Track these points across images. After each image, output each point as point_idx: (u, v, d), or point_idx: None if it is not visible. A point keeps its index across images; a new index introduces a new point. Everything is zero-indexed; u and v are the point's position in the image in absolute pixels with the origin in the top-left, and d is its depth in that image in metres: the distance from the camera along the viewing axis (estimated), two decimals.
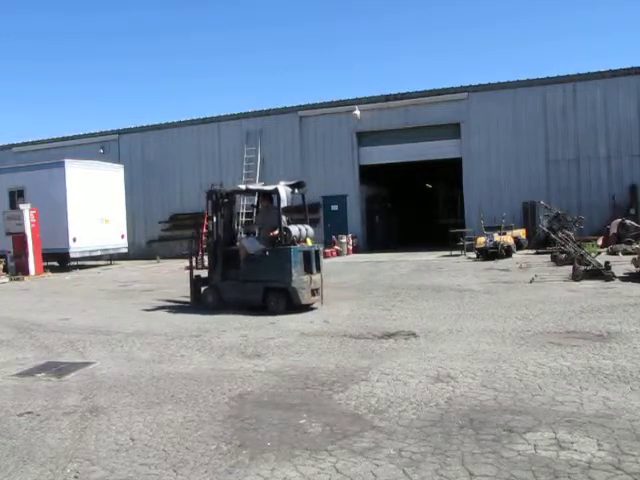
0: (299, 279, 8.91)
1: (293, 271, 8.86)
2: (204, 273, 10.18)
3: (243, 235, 10.37)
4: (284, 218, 9.40)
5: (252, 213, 10.98)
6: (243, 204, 19.66)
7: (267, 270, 9.03)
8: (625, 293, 9.14)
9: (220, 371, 5.54)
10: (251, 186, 10.51)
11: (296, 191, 9.80)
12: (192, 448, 3.70)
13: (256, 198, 10.50)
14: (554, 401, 4.21)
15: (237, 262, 9.46)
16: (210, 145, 25.48)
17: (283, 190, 9.34)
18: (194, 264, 10.27)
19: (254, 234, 10.10)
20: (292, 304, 8.88)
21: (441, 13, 76.83)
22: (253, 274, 9.13)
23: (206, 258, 10.26)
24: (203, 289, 9.99)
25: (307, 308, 9.07)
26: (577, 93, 20.67)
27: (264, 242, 9.44)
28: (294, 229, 9.26)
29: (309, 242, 9.97)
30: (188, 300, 10.19)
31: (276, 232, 9.31)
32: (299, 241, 9.39)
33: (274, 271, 8.96)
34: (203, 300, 9.82)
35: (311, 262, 9.17)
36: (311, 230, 9.73)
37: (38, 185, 19.31)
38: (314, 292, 9.13)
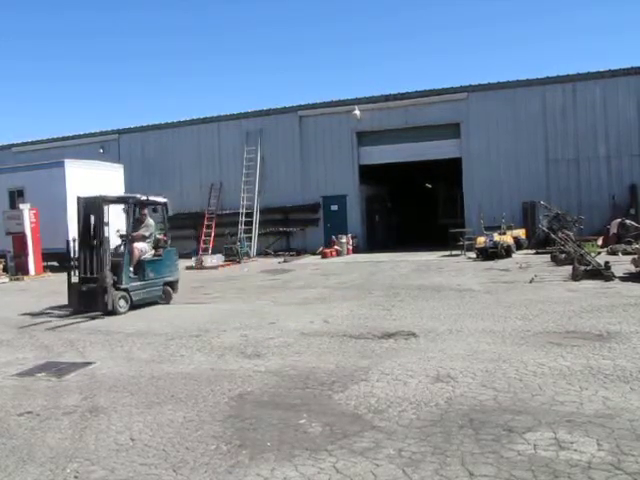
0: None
1: (178, 267, 11.17)
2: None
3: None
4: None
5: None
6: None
7: (164, 268, 10.68)
8: (625, 293, 9.14)
9: (220, 371, 5.54)
10: (152, 197, 11.08)
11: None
12: (192, 448, 3.71)
13: (122, 207, 10.98)
14: (554, 401, 4.21)
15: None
16: (210, 145, 25.45)
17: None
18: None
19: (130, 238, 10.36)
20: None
21: (441, 13, 76.93)
22: (155, 273, 10.46)
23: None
24: (115, 294, 9.35)
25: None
26: (577, 93, 20.65)
27: (151, 246, 10.66)
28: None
29: None
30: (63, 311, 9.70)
31: (162, 236, 10.95)
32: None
33: (169, 268, 10.78)
34: (115, 307, 9.31)
35: None
36: None
37: (38, 185, 19.27)
38: None
